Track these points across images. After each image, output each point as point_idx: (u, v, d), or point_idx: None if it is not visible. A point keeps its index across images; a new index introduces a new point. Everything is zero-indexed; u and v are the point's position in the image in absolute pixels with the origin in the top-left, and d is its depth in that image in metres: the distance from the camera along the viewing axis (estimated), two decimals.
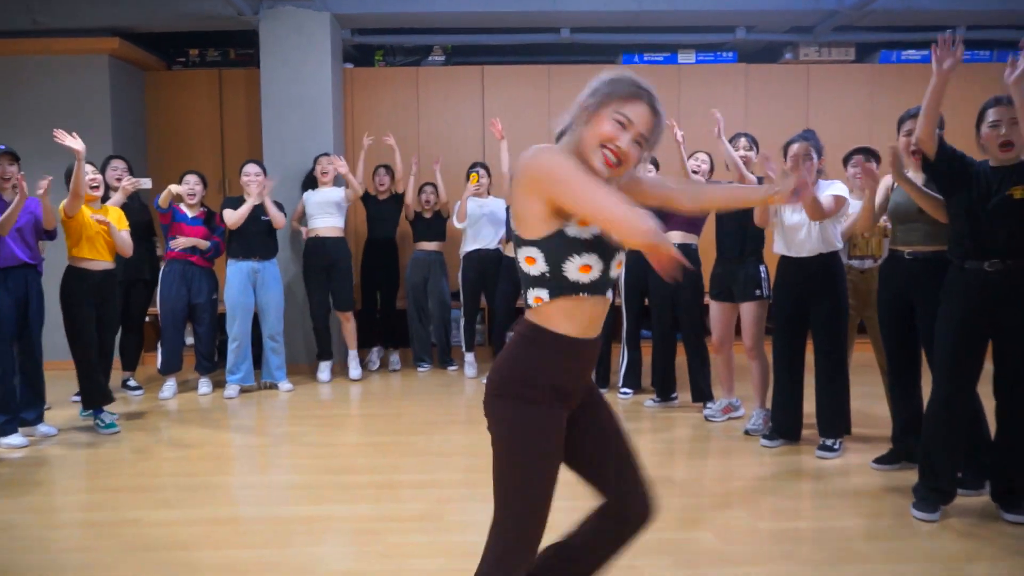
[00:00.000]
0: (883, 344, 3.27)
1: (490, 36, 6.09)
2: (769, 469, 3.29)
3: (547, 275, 1.46)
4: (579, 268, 1.44)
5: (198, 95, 6.25)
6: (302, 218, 5.28)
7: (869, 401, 4.04)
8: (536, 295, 1.49)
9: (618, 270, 1.52)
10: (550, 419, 1.47)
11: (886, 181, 3.16)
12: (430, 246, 5.54)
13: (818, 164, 3.23)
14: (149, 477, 3.26)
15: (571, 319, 1.47)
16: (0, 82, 5.54)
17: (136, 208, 4.66)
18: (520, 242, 1.49)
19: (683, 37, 6.10)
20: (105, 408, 3.98)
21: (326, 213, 5.04)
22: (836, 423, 3.40)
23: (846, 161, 3.71)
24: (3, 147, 3.74)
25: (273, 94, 5.50)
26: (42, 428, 3.89)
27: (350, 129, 6.18)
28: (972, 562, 2.38)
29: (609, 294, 1.53)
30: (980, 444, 2.86)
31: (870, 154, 3.56)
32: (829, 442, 3.40)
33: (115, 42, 5.55)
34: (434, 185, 5.56)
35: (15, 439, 3.68)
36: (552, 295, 1.46)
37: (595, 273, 1.45)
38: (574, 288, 1.45)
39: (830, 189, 3.20)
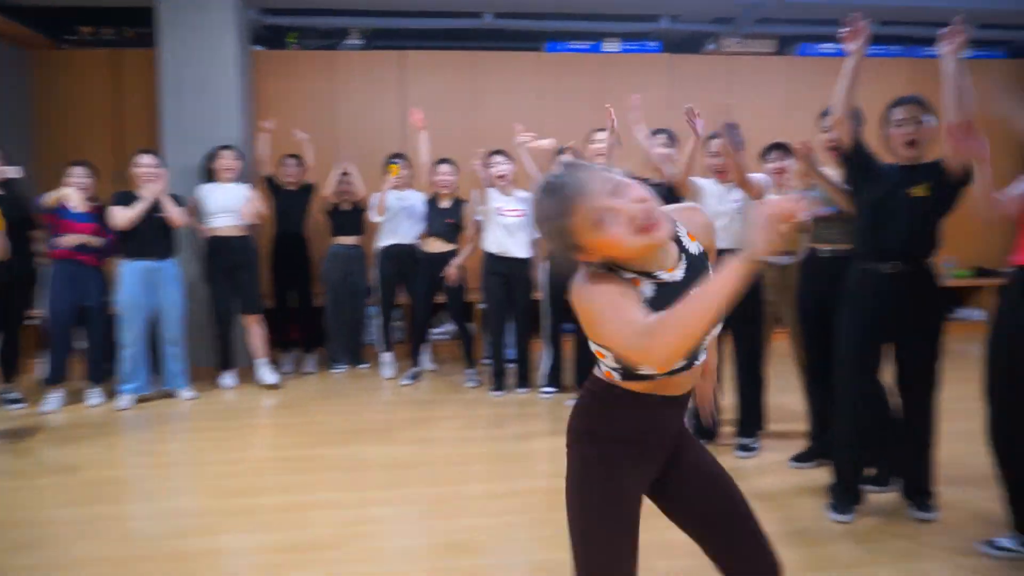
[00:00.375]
0: (800, 342, 3.26)
1: (411, 20, 5.82)
2: None
3: (619, 367, 1.38)
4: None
5: (91, 77, 5.76)
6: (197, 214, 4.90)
7: (788, 395, 4.04)
8: (607, 370, 1.41)
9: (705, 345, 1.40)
10: (618, 465, 1.40)
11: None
12: (349, 240, 5.28)
13: (739, 158, 3.15)
14: (19, 510, 2.92)
15: (644, 387, 1.38)
16: None
17: (9, 200, 4.20)
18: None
19: (608, 25, 5.99)
20: None
21: (229, 212, 4.70)
22: (754, 422, 3.38)
23: (763, 156, 3.66)
24: None
25: (172, 77, 5.08)
26: None
27: (263, 115, 5.79)
28: (870, 567, 2.37)
29: (699, 359, 1.40)
30: (889, 441, 2.86)
31: (786, 150, 3.52)
32: (747, 441, 3.38)
33: None
34: (349, 173, 5.30)
35: None
36: (624, 378, 1.39)
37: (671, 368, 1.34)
38: (650, 376, 1.36)
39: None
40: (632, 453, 1.40)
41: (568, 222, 1.24)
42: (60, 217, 4.23)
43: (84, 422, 4.10)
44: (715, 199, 3.32)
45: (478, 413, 4.24)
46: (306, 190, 5.19)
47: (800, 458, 3.23)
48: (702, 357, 1.40)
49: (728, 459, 3.33)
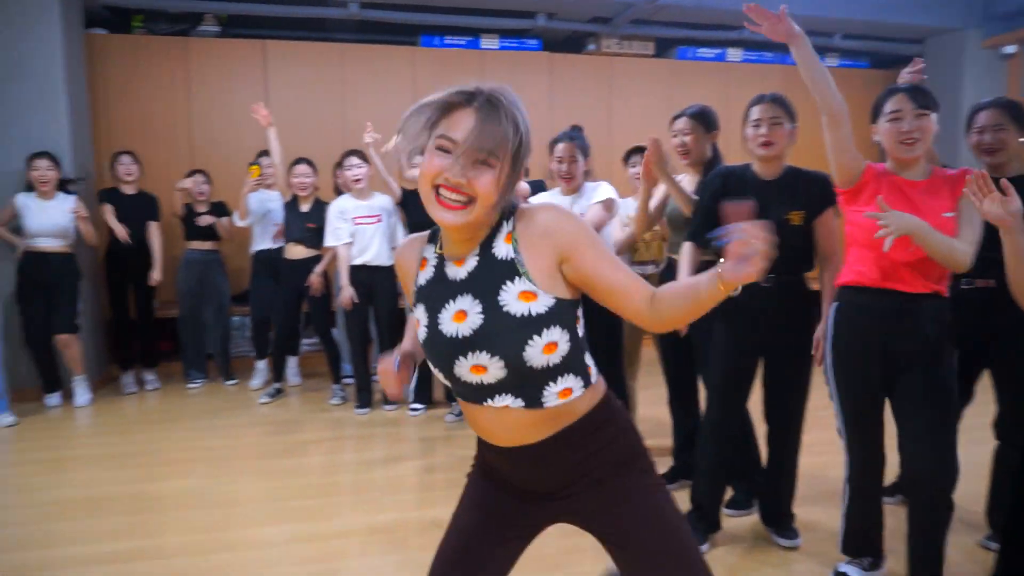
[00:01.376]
0: (660, 358, 3.15)
1: (271, 7, 5.39)
2: None
3: None
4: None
5: None
6: (9, 223, 4.32)
7: (656, 407, 3.96)
8: None
9: (475, 375, 1.15)
10: (475, 488, 1.31)
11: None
12: (205, 245, 4.84)
13: (584, 165, 2.99)
14: None
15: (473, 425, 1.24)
16: None
17: None
18: None
19: (484, 20, 5.77)
20: None
21: (48, 232, 4.20)
22: None
23: (626, 160, 3.55)
24: None
25: None
26: None
27: (101, 108, 5.23)
28: None
29: (499, 401, 1.15)
30: (750, 465, 2.79)
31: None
32: None
33: None
34: (206, 173, 4.87)
35: None
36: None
37: (444, 381, 1.22)
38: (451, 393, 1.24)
39: (596, 192, 2.96)
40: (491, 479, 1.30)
41: (430, 118, 1.12)
42: None
43: None
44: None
45: (344, 434, 3.94)
46: (144, 195, 4.70)
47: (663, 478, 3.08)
48: (499, 401, 1.15)
49: None
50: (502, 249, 1.15)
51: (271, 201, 4.72)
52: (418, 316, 1.22)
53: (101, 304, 4.96)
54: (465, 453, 3.57)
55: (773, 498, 2.61)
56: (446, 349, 1.15)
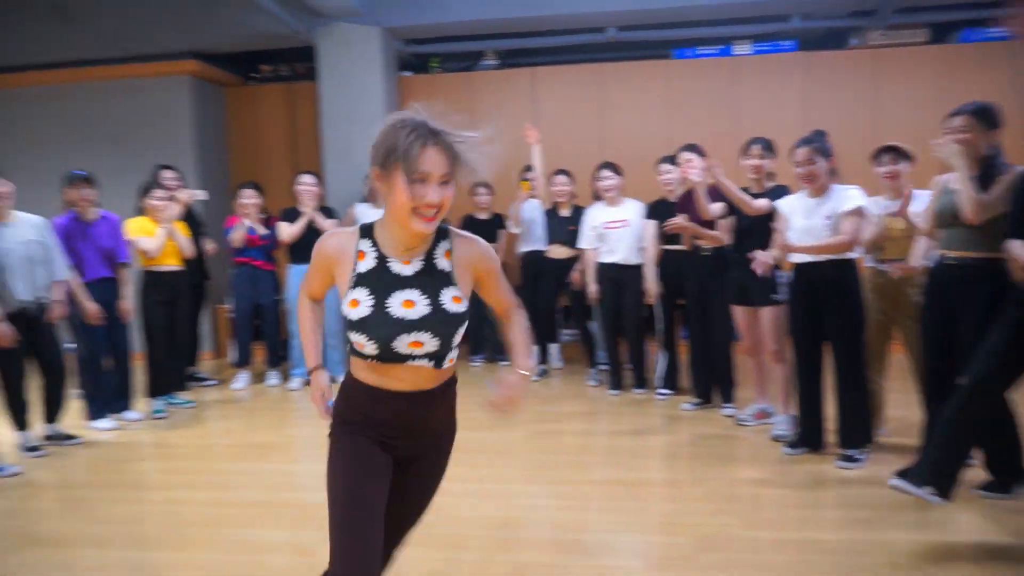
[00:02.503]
0: (919, 352, 3.14)
1: (540, 39, 6.18)
2: (782, 477, 3.25)
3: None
4: (349, 303, 1.54)
5: (272, 108, 6.71)
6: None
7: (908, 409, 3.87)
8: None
9: (412, 348, 1.53)
10: (348, 444, 1.60)
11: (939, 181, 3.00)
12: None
13: (828, 165, 3.13)
14: (202, 461, 3.65)
15: (368, 377, 1.58)
16: (91, 105, 6.18)
17: (190, 217, 5.01)
18: None
19: (736, 29, 5.96)
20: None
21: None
22: (857, 433, 3.31)
23: (875, 158, 3.56)
24: (83, 172, 4.23)
25: (330, 106, 5.84)
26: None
27: None
28: None
29: (419, 363, 1.55)
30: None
31: (899, 153, 3.41)
32: (850, 452, 3.31)
33: (193, 63, 6.07)
34: (489, 186, 5.73)
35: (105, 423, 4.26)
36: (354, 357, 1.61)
37: (369, 348, 1.53)
38: (354, 327, 1.54)
39: (846, 199, 3.10)
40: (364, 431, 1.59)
41: (398, 156, 1.44)
42: (247, 234, 5.07)
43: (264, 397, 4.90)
44: (801, 214, 3.31)
45: (598, 409, 4.51)
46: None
47: (903, 474, 2.94)
48: (419, 363, 1.54)
49: (829, 468, 3.31)
50: (442, 262, 1.58)
51: (534, 210, 5.42)
52: (357, 296, 1.53)
53: None
54: (689, 437, 3.90)
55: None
56: (392, 327, 1.51)
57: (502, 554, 2.58)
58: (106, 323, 4.20)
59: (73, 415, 4.19)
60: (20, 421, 3.78)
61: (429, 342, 1.53)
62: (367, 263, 1.56)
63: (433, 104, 1.51)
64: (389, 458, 1.61)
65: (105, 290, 4.24)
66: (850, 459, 3.30)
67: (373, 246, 1.57)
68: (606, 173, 4.70)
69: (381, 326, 1.51)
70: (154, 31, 5.72)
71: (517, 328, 1.73)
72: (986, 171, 2.75)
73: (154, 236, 4.44)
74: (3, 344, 3.52)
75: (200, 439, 4.09)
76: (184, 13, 5.49)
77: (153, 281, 4.50)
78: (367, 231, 1.59)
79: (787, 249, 3.25)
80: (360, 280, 1.55)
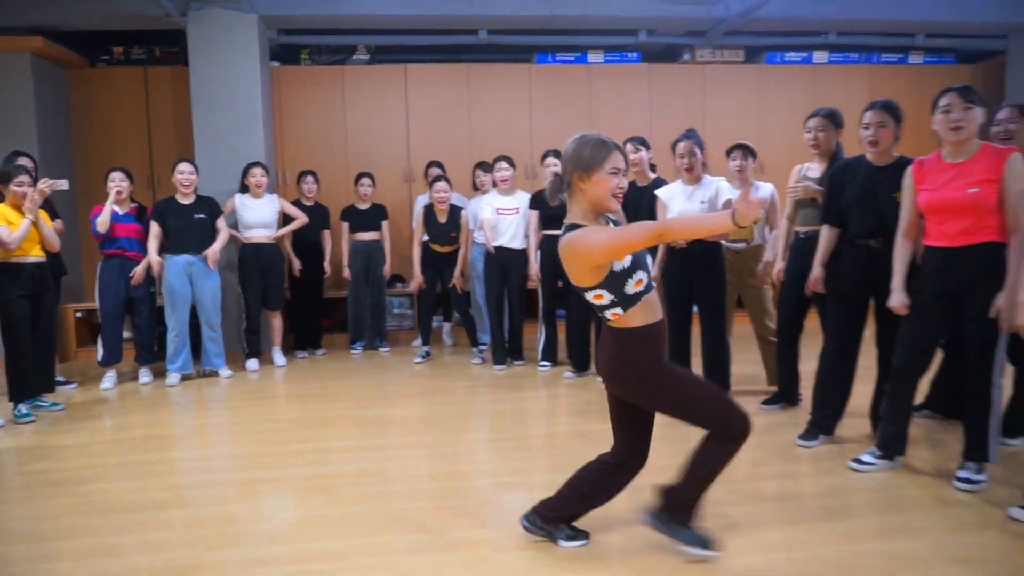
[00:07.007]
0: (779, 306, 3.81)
1: (412, 37, 6.44)
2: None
3: (615, 300, 2.08)
4: (635, 284, 2.08)
5: (124, 93, 6.34)
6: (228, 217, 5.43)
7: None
8: (613, 312, 2.11)
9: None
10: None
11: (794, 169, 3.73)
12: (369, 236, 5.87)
13: (702, 158, 3.76)
14: (84, 457, 3.52)
15: (643, 318, 2.11)
16: None
17: (50, 206, 4.67)
18: (583, 290, 2.13)
19: (592, 39, 6.62)
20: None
21: (262, 225, 5.38)
22: (720, 379, 3.96)
23: (728, 154, 4.25)
24: None
25: (203, 94, 5.68)
26: None
27: (278, 126, 6.41)
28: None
29: (652, 291, 2.15)
30: None
31: (747, 151, 4.12)
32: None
33: (37, 41, 5.61)
34: (371, 176, 5.89)
35: None
36: (624, 309, 2.10)
37: (645, 283, 2.10)
38: (636, 298, 2.08)
39: (719, 190, 3.76)
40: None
41: (595, 164, 2.06)
42: (112, 221, 4.81)
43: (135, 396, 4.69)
44: (683, 198, 3.91)
45: (484, 383, 4.87)
46: (319, 207, 5.85)
47: (804, 435, 3.37)
48: (653, 289, 2.16)
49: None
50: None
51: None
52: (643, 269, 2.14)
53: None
54: (582, 396, 4.40)
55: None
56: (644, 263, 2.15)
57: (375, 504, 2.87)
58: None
59: None
60: None
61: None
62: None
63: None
64: None
65: None
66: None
67: None
68: (503, 165, 5.11)
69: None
70: None
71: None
72: (831, 162, 3.52)
73: (17, 226, 4.12)
74: None
75: (87, 437, 3.91)
76: None
77: (15, 274, 4.16)
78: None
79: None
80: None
